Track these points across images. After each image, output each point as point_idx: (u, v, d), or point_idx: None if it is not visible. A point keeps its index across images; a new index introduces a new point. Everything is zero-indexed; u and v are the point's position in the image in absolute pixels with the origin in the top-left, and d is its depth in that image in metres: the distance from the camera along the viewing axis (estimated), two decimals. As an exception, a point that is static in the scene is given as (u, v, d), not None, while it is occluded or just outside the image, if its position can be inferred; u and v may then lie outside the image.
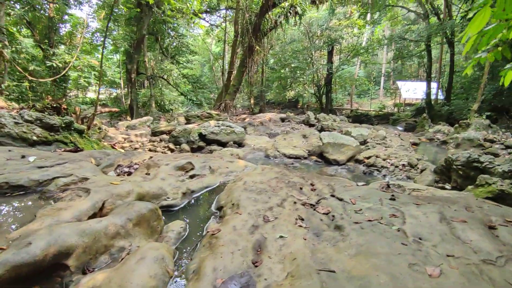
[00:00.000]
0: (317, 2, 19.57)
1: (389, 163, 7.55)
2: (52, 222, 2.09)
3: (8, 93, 9.51)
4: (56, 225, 2.03)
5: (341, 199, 3.10)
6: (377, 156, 7.94)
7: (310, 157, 8.67)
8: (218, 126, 9.39)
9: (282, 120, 15.91)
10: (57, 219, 2.13)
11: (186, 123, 11.62)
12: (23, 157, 3.36)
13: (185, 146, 8.48)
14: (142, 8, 16.05)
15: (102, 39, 20.71)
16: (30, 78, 9.67)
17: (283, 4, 17.39)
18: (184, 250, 2.29)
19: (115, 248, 2.10)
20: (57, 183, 2.75)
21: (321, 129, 12.65)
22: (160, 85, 20.58)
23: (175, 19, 19.71)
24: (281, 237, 2.22)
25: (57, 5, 16.01)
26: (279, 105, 31.90)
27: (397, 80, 31.94)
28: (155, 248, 2.00)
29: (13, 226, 2.20)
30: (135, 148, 8.41)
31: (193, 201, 3.15)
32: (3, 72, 9.29)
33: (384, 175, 6.96)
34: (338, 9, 24.26)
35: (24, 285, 1.74)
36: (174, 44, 22.73)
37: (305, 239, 2.20)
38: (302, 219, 2.62)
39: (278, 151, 8.80)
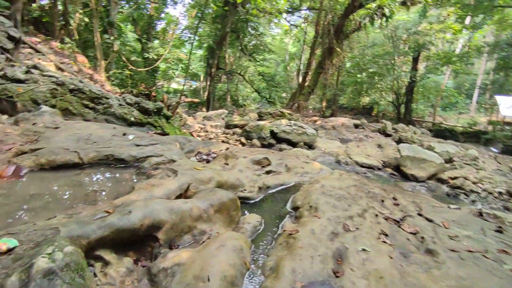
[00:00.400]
0: (408, 3, 18.00)
1: (480, 188, 6.53)
2: (147, 196, 2.30)
3: (113, 79, 11.03)
4: (150, 199, 2.22)
5: (430, 220, 2.76)
6: (465, 178, 6.94)
7: (384, 168, 8.05)
8: (290, 125, 9.35)
9: (356, 126, 15.13)
10: (151, 194, 2.33)
11: (258, 119, 11.88)
12: (124, 134, 3.80)
13: (256, 142, 8.67)
14: (228, 6, 16.90)
15: (189, 35, 22.52)
16: (130, 67, 11.06)
17: (369, 5, 16.43)
18: (260, 244, 2.29)
19: (197, 230, 2.20)
20: (150, 161, 3.03)
21: (399, 141, 11.69)
22: (236, 81, 21.44)
23: (256, 18, 20.31)
24: (363, 250, 2.06)
25: (157, 5, 17.94)
26: (352, 110, 30.39)
27: (496, 94, 27.44)
28: (234, 238, 2.04)
29: (116, 194, 2.48)
30: (210, 138, 8.91)
31: (268, 196, 3.16)
32: (112, 61, 10.81)
33: (473, 201, 6.04)
34: (431, 11, 21.85)
35: (122, 248, 1.94)
36: (253, 42, 23.43)
37: (391, 258, 2.00)
38: (386, 235, 2.39)
39: (350, 158, 8.37)
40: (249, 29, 22.12)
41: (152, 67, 12.89)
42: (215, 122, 10.94)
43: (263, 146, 8.62)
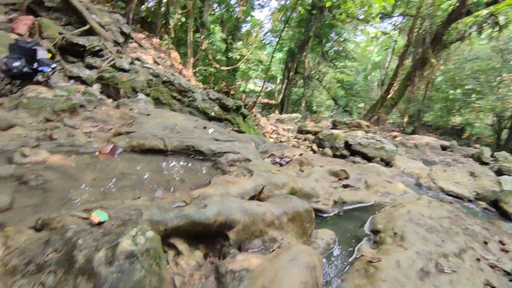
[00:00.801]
0: (533, 9, 15.09)
1: None
2: (222, 192, 2.28)
3: (198, 75, 11.87)
4: (225, 196, 2.19)
5: (557, 281, 2.16)
6: None
7: (476, 201, 6.85)
8: (367, 138, 8.68)
9: (443, 148, 13.36)
10: (226, 191, 2.31)
11: (331, 128, 11.39)
12: (204, 128, 3.94)
13: (328, 151, 8.28)
14: (316, 10, 16.63)
15: (271, 38, 22.95)
16: (215, 65, 11.73)
17: (479, 12, 14.28)
18: (333, 265, 2.07)
19: (268, 237, 2.09)
20: (227, 157, 3.05)
21: (499, 172, 9.89)
22: (313, 87, 21.07)
23: (342, 23, 19.57)
24: (465, 302, 1.68)
25: (245, 8, 18.73)
26: (437, 130, 27.00)
27: None
28: (308, 253, 1.86)
29: (193, 184, 2.54)
30: (281, 141, 8.84)
31: (343, 212, 2.89)
32: (199, 58, 11.65)
33: None
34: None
35: (193, 240, 1.95)
36: (335, 48, 22.66)
37: (504, 322, 1.58)
38: (494, 288, 1.93)
39: (434, 182, 7.36)
40: (333, 34, 21.46)
41: (233, 66, 13.49)
42: (287, 125, 10.86)
43: (335, 156, 8.18)
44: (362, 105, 23.97)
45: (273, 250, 2.01)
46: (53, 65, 4.79)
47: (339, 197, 2.96)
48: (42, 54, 4.61)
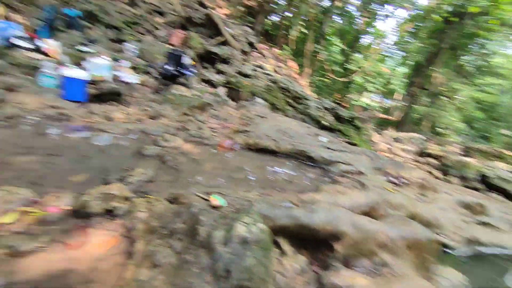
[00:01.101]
0: None
1: None
2: (330, 200, 2.19)
3: (313, 86, 11.96)
4: (334, 205, 2.09)
5: None
6: None
7: None
8: (513, 172, 6.91)
9: None
10: (335, 200, 2.20)
11: (461, 155, 9.58)
12: (316, 135, 3.90)
13: (453, 179, 6.98)
14: (454, 18, 14.41)
15: (394, 50, 21.05)
16: (331, 76, 11.58)
17: None
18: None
19: (378, 259, 1.88)
20: (338, 167, 2.93)
21: None
22: (440, 105, 18.30)
23: (486, 32, 16.24)
24: None
25: (369, 19, 17.82)
26: None
27: None
28: (428, 290, 1.58)
29: (301, 188, 2.53)
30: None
31: (477, 255, 2.35)
32: (315, 69, 11.73)
33: None
34: None
35: (297, 244, 1.92)
36: (475, 62, 19.02)
37: None
38: None
39: None
40: (473, 46, 18.07)
41: (350, 79, 13.00)
42: (404, 145, 9.71)
43: (464, 187, 6.83)
44: (506, 131, 19.30)
45: (382, 275, 1.79)
46: (194, 70, 5.66)
47: (472, 235, 2.43)
48: (187, 60, 5.52)
